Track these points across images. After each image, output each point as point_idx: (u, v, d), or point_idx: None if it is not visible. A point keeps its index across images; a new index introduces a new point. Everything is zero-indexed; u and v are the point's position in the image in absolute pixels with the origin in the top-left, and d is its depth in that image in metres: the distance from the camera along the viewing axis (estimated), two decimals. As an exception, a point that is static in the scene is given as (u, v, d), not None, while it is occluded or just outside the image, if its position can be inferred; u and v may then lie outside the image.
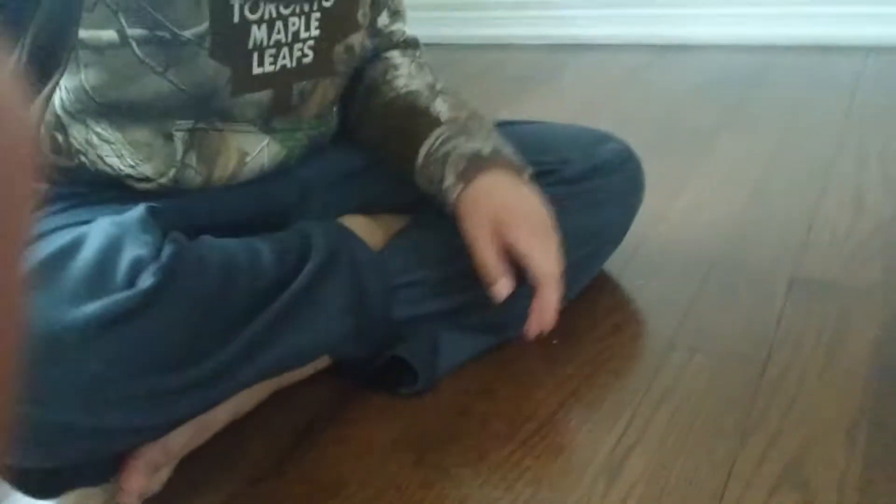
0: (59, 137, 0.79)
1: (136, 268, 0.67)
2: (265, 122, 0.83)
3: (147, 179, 0.81)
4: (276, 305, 0.74)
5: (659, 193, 1.09)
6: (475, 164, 0.83)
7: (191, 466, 0.77)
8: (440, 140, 0.86)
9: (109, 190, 0.81)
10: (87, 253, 0.68)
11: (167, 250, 0.69)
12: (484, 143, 0.86)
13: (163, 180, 0.81)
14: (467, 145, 0.85)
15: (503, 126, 0.94)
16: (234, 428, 0.81)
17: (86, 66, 0.74)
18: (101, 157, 0.79)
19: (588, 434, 0.78)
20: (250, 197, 0.86)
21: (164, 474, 0.76)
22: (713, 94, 1.67)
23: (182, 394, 0.68)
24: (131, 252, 0.68)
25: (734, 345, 0.89)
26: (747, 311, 0.94)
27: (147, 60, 0.74)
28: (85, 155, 0.80)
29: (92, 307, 0.64)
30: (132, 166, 0.80)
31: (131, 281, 0.67)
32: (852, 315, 0.92)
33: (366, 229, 0.91)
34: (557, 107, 1.70)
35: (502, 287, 0.79)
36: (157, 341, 0.66)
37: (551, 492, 0.72)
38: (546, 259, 0.80)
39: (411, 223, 0.95)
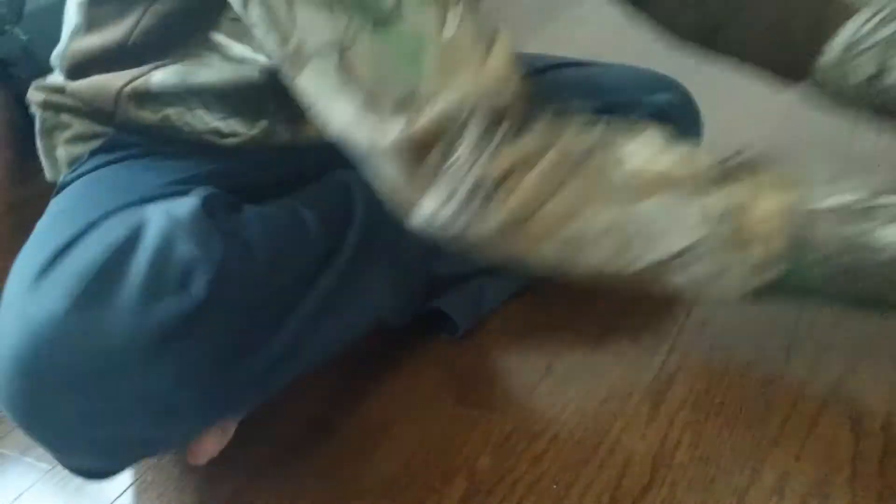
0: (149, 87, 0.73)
1: (188, 270, 0.62)
2: None
3: (234, 134, 0.75)
4: (325, 282, 0.71)
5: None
6: None
7: (241, 423, 0.79)
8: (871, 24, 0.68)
9: (176, 145, 0.76)
10: (142, 257, 0.62)
11: (216, 250, 0.63)
12: None
13: (254, 132, 0.76)
14: None
15: (559, 67, 0.90)
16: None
17: None
18: (189, 110, 0.74)
19: (629, 364, 0.78)
20: (283, 160, 0.80)
21: (229, 434, 0.77)
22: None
23: (241, 390, 0.67)
24: (182, 252, 0.62)
25: (754, 341, 0.87)
26: (767, 308, 0.93)
27: None
28: (172, 106, 0.74)
29: (149, 320, 0.59)
30: (222, 118, 0.75)
31: (184, 284, 0.61)
32: None
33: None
34: (583, 37, 1.66)
35: None
36: (215, 344, 0.63)
37: (595, 422, 0.72)
38: None
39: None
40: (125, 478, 0.77)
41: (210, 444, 0.73)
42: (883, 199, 0.56)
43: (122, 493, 0.75)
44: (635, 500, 0.64)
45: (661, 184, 0.58)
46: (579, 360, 0.80)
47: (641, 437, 0.69)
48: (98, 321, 0.59)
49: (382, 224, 0.75)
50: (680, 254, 0.58)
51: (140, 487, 0.76)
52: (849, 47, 0.66)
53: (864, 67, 0.67)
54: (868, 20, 0.67)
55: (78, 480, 0.70)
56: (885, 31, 0.66)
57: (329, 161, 0.75)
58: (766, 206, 0.57)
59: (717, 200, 0.58)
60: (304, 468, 0.74)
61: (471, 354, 0.83)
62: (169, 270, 0.61)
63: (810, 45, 0.69)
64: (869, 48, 0.66)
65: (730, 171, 0.58)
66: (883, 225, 0.55)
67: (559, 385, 0.77)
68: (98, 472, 0.70)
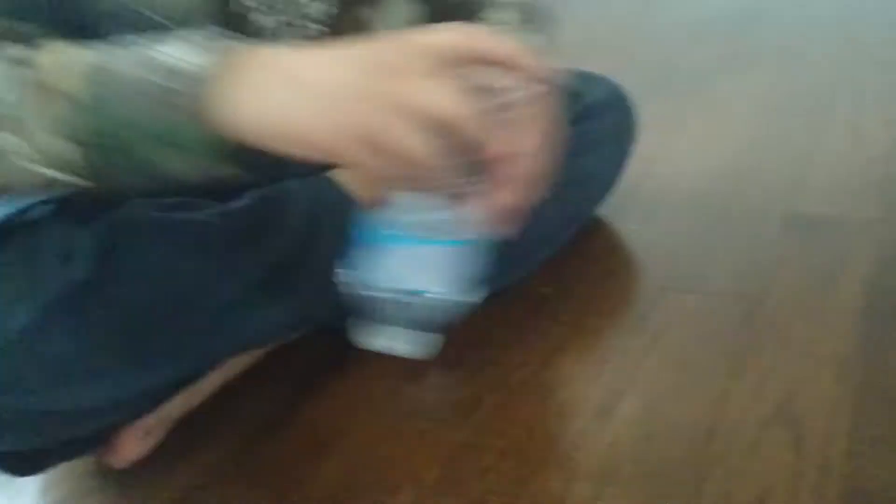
0: None
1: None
2: None
3: None
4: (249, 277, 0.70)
5: (655, 135, 1.07)
6: None
7: (187, 427, 0.78)
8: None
9: None
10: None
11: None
12: None
13: None
14: None
15: None
16: (231, 386, 0.82)
17: None
18: None
19: (580, 379, 0.78)
20: None
21: (154, 438, 0.76)
22: (710, 34, 1.65)
23: (148, 370, 0.67)
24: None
25: (728, 285, 0.89)
26: (742, 250, 0.94)
27: None
28: None
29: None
30: None
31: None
32: (847, 252, 0.91)
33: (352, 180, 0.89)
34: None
35: None
36: (106, 322, 0.64)
37: (544, 435, 0.72)
38: None
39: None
40: (67, 482, 0.76)
41: (130, 445, 0.72)
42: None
43: (63, 500, 0.75)
44: (579, 516, 0.64)
45: None
46: (529, 374, 0.80)
47: (588, 453, 0.70)
48: None
49: (320, 234, 0.75)
50: None
51: (82, 491, 0.75)
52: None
53: None
54: None
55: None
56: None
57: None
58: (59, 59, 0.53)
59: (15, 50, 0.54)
60: (249, 475, 0.73)
61: (421, 366, 0.83)
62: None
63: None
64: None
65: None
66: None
67: (510, 398, 0.77)
68: (22, 464, 0.70)
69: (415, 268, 0.58)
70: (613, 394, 0.75)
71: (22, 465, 0.71)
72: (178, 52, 0.51)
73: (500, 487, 0.67)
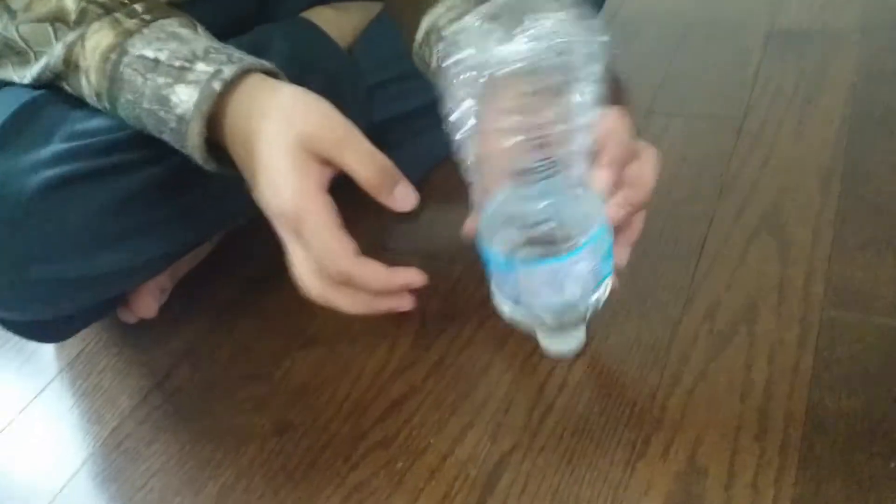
0: None
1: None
2: None
3: None
4: None
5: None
6: None
7: (189, 283, 0.80)
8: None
9: None
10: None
11: None
12: None
13: None
14: None
15: None
16: (224, 245, 0.84)
17: None
18: None
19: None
20: (202, 10, 0.80)
21: (166, 294, 0.78)
22: None
23: (161, 232, 0.66)
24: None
25: (711, 106, 0.89)
26: (724, 70, 0.94)
27: None
28: None
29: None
30: None
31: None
32: (828, 64, 0.91)
33: (334, 23, 0.88)
34: None
35: None
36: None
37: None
38: None
39: (383, 10, 0.91)
40: (81, 340, 0.78)
41: (147, 302, 0.74)
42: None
43: (77, 357, 0.77)
44: None
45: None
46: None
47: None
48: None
49: (309, 77, 0.74)
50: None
51: (97, 347, 0.78)
52: (428, 33, 0.66)
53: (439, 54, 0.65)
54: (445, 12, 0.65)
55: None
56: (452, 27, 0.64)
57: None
58: (95, 41, 0.59)
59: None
60: (254, 318, 0.76)
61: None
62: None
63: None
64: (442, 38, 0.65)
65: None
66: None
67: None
68: (48, 331, 0.72)
69: (547, 285, 0.57)
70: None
71: (46, 332, 0.73)
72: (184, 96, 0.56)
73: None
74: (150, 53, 0.58)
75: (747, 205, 0.75)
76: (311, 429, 0.65)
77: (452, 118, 0.52)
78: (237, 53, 0.59)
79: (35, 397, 0.74)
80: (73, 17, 0.61)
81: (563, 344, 0.64)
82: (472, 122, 0.51)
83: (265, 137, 0.54)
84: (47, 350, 0.78)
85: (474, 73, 0.49)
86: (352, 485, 0.60)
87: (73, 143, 0.62)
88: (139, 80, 0.58)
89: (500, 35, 0.49)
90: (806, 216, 0.73)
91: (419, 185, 0.79)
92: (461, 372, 0.67)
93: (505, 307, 0.60)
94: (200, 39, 0.60)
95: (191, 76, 0.57)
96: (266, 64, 0.59)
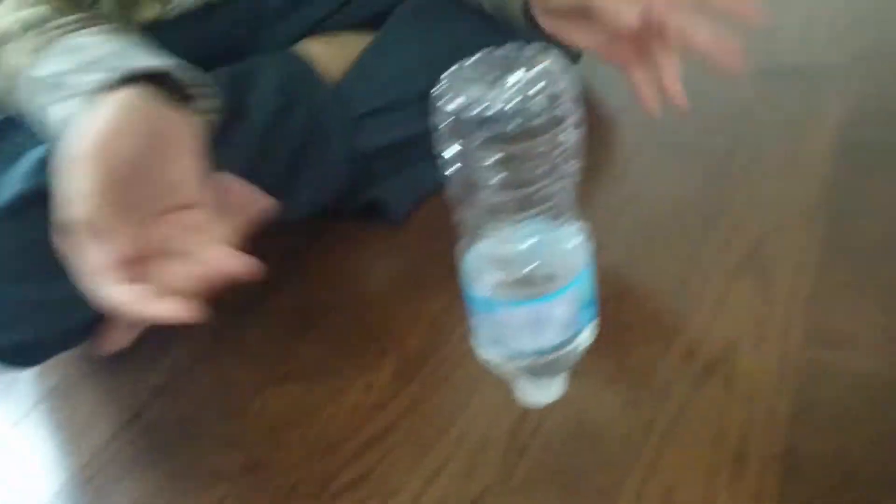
0: None
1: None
2: None
3: None
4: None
5: None
6: None
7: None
8: None
9: None
10: None
11: None
12: None
13: None
14: None
15: None
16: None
17: None
18: None
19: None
20: (191, 38, 0.81)
21: (141, 325, 0.77)
22: None
23: None
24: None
25: (700, 140, 0.89)
26: (712, 105, 0.94)
27: None
28: None
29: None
30: None
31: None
32: (817, 101, 0.91)
33: (323, 56, 0.88)
34: None
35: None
36: None
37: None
38: None
39: (374, 42, 0.91)
40: (59, 370, 0.78)
41: (120, 332, 0.74)
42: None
43: (55, 387, 0.77)
44: None
45: None
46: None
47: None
48: None
49: (294, 108, 0.75)
50: None
51: (74, 378, 0.77)
52: None
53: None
54: None
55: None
56: None
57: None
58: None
59: None
60: (236, 353, 0.75)
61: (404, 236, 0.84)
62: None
63: None
64: None
65: None
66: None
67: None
68: (18, 357, 0.71)
69: (528, 327, 0.57)
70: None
71: (20, 357, 0.73)
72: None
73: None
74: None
75: (731, 242, 0.75)
76: (283, 468, 0.64)
77: (442, 156, 0.52)
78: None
79: (13, 427, 0.74)
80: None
81: (539, 394, 0.63)
82: (458, 165, 0.52)
83: None
84: (26, 378, 0.78)
85: (461, 120, 0.50)
86: (321, 525, 0.59)
87: (37, 165, 0.62)
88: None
89: (489, 80, 0.51)
90: (789, 255, 0.72)
91: (406, 215, 0.80)
92: (438, 410, 0.66)
93: (484, 348, 0.59)
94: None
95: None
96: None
